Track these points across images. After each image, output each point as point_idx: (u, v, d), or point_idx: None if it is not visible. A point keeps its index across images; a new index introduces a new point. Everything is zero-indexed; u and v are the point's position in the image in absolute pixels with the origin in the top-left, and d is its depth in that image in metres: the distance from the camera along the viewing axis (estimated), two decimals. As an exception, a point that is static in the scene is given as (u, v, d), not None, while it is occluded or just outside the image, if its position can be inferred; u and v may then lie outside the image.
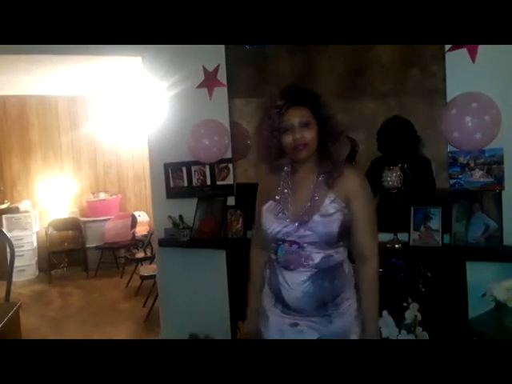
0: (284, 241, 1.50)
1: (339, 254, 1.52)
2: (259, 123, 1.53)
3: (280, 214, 1.52)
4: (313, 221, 1.47)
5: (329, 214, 1.47)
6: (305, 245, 1.48)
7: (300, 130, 1.46)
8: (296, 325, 1.53)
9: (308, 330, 1.51)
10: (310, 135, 1.46)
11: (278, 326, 1.56)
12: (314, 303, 1.50)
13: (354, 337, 1.51)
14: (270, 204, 1.56)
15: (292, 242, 1.49)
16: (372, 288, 1.51)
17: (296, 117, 1.46)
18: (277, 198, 1.55)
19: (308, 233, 1.47)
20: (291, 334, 1.53)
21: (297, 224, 1.48)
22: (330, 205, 1.48)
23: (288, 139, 1.47)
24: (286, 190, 1.55)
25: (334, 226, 1.47)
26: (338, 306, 1.52)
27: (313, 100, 1.49)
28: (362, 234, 1.50)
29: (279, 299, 1.55)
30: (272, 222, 1.53)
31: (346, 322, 1.52)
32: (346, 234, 1.51)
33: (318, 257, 1.48)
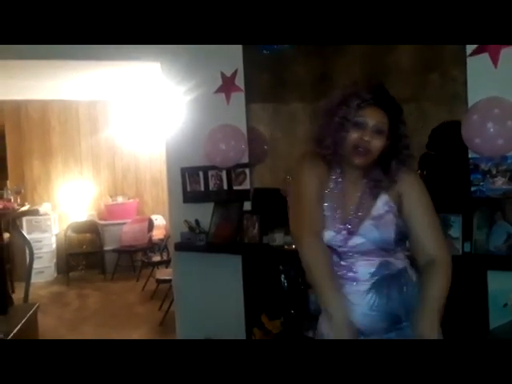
0: (338, 249, 1.36)
1: (399, 261, 1.38)
2: (330, 106, 1.35)
3: (331, 221, 1.37)
4: (364, 226, 1.35)
5: (380, 215, 1.35)
6: (355, 255, 1.35)
7: (371, 133, 1.31)
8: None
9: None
10: (377, 144, 1.32)
11: None
12: (385, 317, 1.33)
13: None
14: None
15: (340, 253, 1.36)
16: (437, 296, 1.30)
17: (374, 118, 1.31)
18: (328, 199, 1.38)
19: (361, 240, 1.34)
20: None
21: (347, 232, 1.35)
22: (383, 207, 1.36)
23: (354, 136, 1.31)
24: (336, 193, 1.39)
25: (390, 231, 1.34)
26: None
27: (396, 111, 1.35)
28: (423, 231, 1.33)
29: None
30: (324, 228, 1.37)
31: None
32: (402, 238, 1.38)
33: (373, 264, 1.35)
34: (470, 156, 2.24)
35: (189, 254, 3.09)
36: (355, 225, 1.36)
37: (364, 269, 1.36)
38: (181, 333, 3.25)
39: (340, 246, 1.37)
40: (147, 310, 4.66)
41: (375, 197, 1.37)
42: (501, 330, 1.97)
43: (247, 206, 3.00)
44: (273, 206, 2.79)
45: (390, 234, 1.34)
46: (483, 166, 2.19)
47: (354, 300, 1.35)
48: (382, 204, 1.37)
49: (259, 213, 2.88)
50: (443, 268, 1.34)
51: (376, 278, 1.35)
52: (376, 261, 1.36)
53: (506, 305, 1.94)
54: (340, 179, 1.41)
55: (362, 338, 1.35)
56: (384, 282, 1.35)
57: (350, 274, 1.37)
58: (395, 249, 1.38)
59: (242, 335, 2.90)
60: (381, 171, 1.37)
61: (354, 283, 1.36)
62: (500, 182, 2.15)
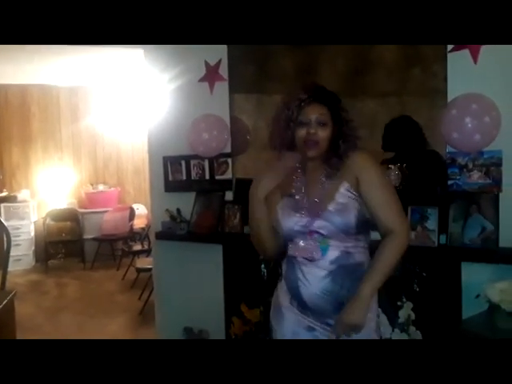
0: (303, 233, 1.49)
1: (360, 254, 1.49)
2: (277, 113, 1.53)
3: (296, 209, 1.51)
4: (328, 211, 1.46)
5: (343, 202, 1.46)
6: (323, 235, 1.47)
7: (315, 126, 1.46)
8: (312, 329, 1.50)
9: (324, 338, 1.48)
10: (323, 134, 1.46)
11: (293, 327, 1.53)
12: (333, 303, 1.46)
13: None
14: (283, 200, 1.55)
15: (312, 232, 1.47)
16: (386, 261, 1.42)
17: (314, 113, 1.46)
18: (292, 192, 1.54)
19: (324, 223, 1.46)
20: (306, 338, 1.50)
21: (311, 217, 1.48)
22: (345, 193, 1.47)
23: (301, 133, 1.47)
24: (299, 185, 1.54)
25: (351, 216, 1.44)
26: None
27: (334, 102, 1.50)
28: (380, 208, 1.45)
29: (296, 296, 1.52)
30: (288, 217, 1.52)
31: (364, 336, 1.47)
32: (364, 227, 1.48)
33: (336, 250, 1.46)
34: (447, 150, 2.29)
35: (170, 243, 3.09)
36: (319, 209, 1.48)
37: (324, 255, 1.47)
38: (160, 322, 3.25)
39: (303, 229, 1.49)
40: (127, 299, 4.65)
41: (337, 184, 1.48)
42: (473, 321, 2.03)
43: (229, 195, 3.01)
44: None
45: (350, 218, 1.45)
46: (460, 161, 2.23)
47: (310, 279, 1.48)
48: (344, 190, 1.47)
49: (241, 203, 2.89)
50: (398, 237, 1.45)
51: (334, 266, 1.47)
52: (337, 249, 1.46)
53: (478, 296, 1.99)
54: (301, 172, 1.56)
55: (309, 314, 1.50)
56: (341, 271, 1.46)
57: (310, 256, 1.48)
58: (357, 236, 1.48)
59: (221, 324, 2.92)
60: (334, 157, 1.50)
61: (313, 265, 1.48)
62: (476, 177, 2.20)
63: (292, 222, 1.51)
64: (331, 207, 1.46)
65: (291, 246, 1.53)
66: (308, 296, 1.48)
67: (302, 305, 1.51)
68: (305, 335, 1.51)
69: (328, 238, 1.46)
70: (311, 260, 1.48)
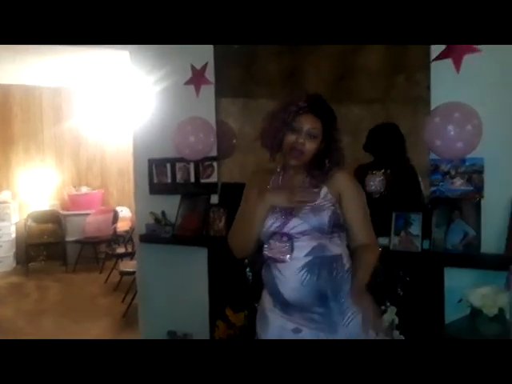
0: (277, 234, 1.53)
1: (336, 247, 1.54)
2: (274, 111, 1.56)
3: (273, 211, 1.54)
4: (303, 211, 1.51)
5: (319, 204, 1.52)
6: (296, 235, 1.51)
7: (305, 137, 1.50)
8: (298, 331, 1.51)
9: (311, 338, 1.49)
10: (310, 147, 1.51)
11: (278, 331, 1.54)
12: (312, 294, 1.49)
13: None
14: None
15: (282, 234, 1.52)
16: (366, 272, 1.52)
17: (308, 124, 1.50)
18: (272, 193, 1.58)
19: (298, 222, 1.51)
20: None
21: (285, 216, 1.52)
22: (322, 197, 1.53)
23: (291, 139, 1.51)
24: (279, 185, 1.59)
25: (324, 215, 1.51)
26: (341, 306, 1.50)
27: (330, 118, 1.54)
28: (358, 224, 1.55)
29: (277, 295, 1.54)
30: (266, 219, 1.55)
31: (351, 333, 1.49)
32: (338, 226, 1.54)
33: (309, 245, 1.51)
34: (430, 157, 2.32)
35: (154, 246, 3.07)
36: (296, 210, 1.52)
37: (300, 249, 1.52)
38: (143, 325, 3.23)
39: (280, 228, 1.53)
40: (110, 302, 4.60)
41: (318, 188, 1.55)
42: (455, 326, 2.06)
43: (214, 199, 3.00)
44: (239, 201, 2.80)
45: (324, 218, 1.51)
46: (443, 167, 2.27)
47: (286, 274, 1.52)
48: (322, 194, 1.54)
49: (226, 206, 2.88)
50: (373, 250, 1.58)
51: (310, 258, 1.51)
52: (312, 244, 1.51)
53: (460, 301, 2.02)
54: (282, 173, 1.62)
55: (293, 313, 1.53)
56: (317, 261, 1.51)
57: (286, 252, 1.52)
58: (332, 234, 1.54)
59: (205, 328, 2.91)
60: (316, 168, 1.55)
61: (288, 260, 1.52)
62: (458, 183, 2.24)
63: (268, 224, 1.55)
64: (307, 208, 1.51)
65: (266, 246, 1.56)
66: (287, 291, 1.51)
67: (284, 303, 1.53)
68: (291, 338, 1.51)
69: (303, 236, 1.51)
70: (282, 261, 1.52)
